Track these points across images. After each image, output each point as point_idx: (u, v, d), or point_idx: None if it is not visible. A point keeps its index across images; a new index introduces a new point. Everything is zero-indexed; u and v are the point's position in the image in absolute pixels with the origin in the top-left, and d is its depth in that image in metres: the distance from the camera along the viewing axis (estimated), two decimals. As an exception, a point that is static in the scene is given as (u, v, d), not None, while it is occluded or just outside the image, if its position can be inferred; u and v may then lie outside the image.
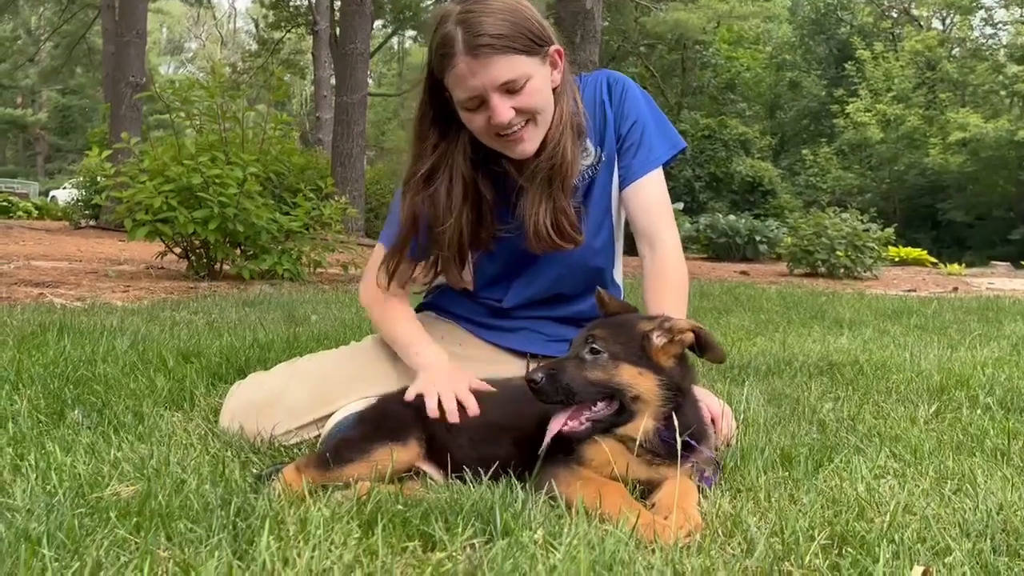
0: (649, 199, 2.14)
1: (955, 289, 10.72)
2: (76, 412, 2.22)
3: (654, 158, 2.14)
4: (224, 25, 64.99)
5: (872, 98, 33.56)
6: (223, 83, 7.90)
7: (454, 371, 1.95)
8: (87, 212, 17.45)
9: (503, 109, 1.88)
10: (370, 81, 27.38)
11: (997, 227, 31.89)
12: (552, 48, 1.95)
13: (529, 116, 1.93)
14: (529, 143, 1.97)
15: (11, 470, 1.69)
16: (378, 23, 33.54)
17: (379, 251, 2.24)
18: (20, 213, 22.31)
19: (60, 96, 49.63)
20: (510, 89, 1.88)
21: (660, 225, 2.13)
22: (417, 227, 2.07)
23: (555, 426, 1.62)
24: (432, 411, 1.80)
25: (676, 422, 1.61)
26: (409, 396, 1.87)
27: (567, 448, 1.63)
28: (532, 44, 1.89)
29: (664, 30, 30.68)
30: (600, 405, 1.63)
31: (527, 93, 1.90)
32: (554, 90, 1.99)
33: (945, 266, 16.98)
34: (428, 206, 2.04)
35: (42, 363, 2.86)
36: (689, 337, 1.67)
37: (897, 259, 17.78)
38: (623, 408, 1.63)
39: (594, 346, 1.65)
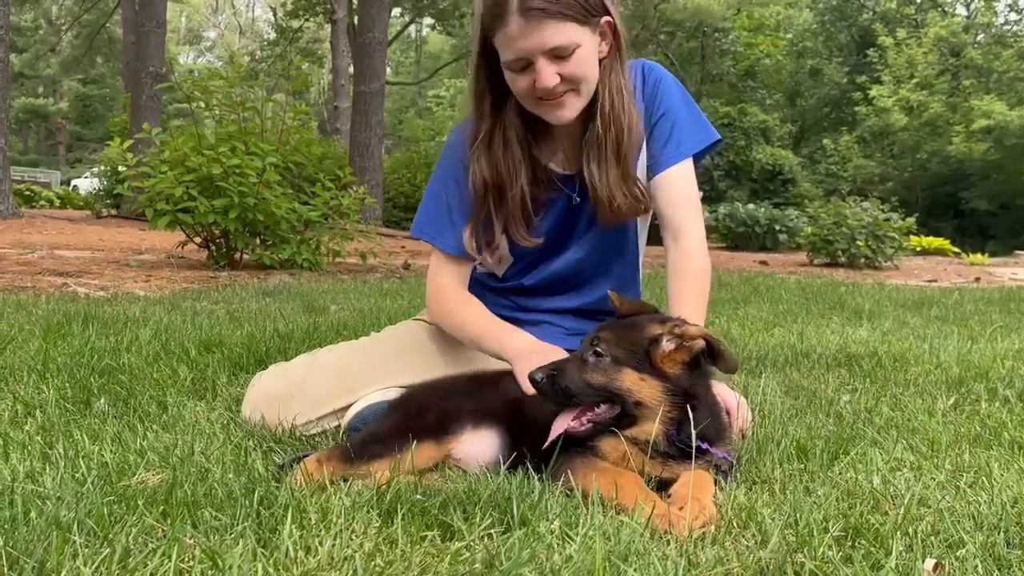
0: (676, 190, 2.14)
1: (977, 279, 10.62)
2: (102, 401, 2.27)
3: (683, 150, 2.15)
4: (243, 14, 65.18)
5: (895, 85, 33.15)
6: (242, 73, 7.94)
7: (545, 348, 1.92)
8: (108, 201, 17.61)
9: (548, 74, 1.90)
10: (388, 70, 27.38)
11: (1021, 216, 31.43)
12: (604, 19, 1.97)
13: (573, 84, 1.96)
14: (568, 110, 2.00)
15: (40, 458, 1.73)
16: (396, 11, 33.52)
17: (437, 259, 2.25)
18: (42, 202, 22.54)
19: (81, 86, 50.00)
20: (558, 55, 1.90)
21: (685, 216, 2.14)
22: (487, 193, 2.10)
23: (559, 425, 1.64)
24: (528, 390, 1.74)
25: (689, 426, 1.61)
26: (526, 388, 1.75)
27: (581, 440, 1.65)
28: (585, 12, 1.91)
29: (684, 17, 30.51)
30: (603, 407, 1.65)
31: (574, 61, 1.92)
32: (602, 60, 2.02)
33: (968, 256, 16.79)
34: (492, 168, 2.08)
35: (68, 353, 2.91)
36: (699, 344, 1.66)
37: (919, 248, 17.60)
38: (625, 412, 1.64)
39: (597, 349, 1.66)
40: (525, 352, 1.90)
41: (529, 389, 1.73)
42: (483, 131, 2.09)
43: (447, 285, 2.22)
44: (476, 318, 2.13)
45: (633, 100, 2.08)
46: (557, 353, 1.86)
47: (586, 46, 1.94)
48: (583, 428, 1.64)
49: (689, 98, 2.22)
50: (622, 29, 2.02)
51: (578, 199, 2.17)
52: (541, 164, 2.14)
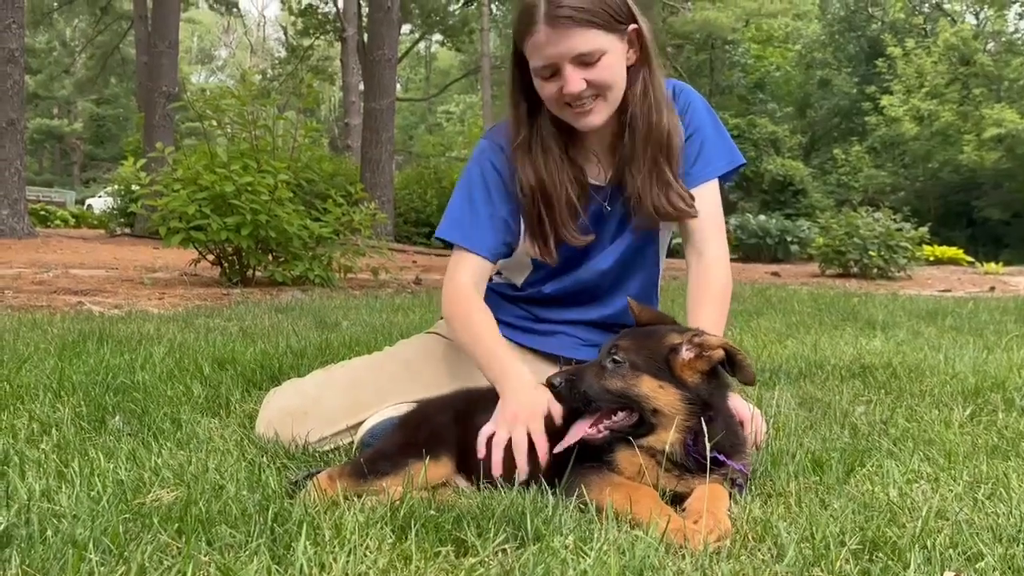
0: (702, 209, 2.16)
1: (992, 289, 10.55)
2: (117, 419, 2.28)
3: (711, 170, 2.18)
4: (254, 33, 65.76)
5: (905, 94, 33.09)
6: (253, 91, 8.00)
7: (535, 400, 1.79)
8: (122, 220, 17.74)
9: (575, 80, 1.94)
10: (398, 86, 27.58)
11: (1035, 224, 31.26)
12: (631, 27, 1.99)
13: (599, 91, 1.98)
14: (595, 116, 2.02)
15: (56, 477, 1.74)
16: (405, 28, 33.74)
17: (462, 258, 2.17)
18: (57, 222, 22.73)
19: (95, 106, 50.49)
20: (584, 61, 1.93)
21: (709, 236, 2.16)
22: (536, 197, 2.10)
23: (576, 432, 1.64)
24: (496, 465, 1.70)
25: (706, 436, 1.60)
26: (483, 435, 1.75)
27: (596, 454, 1.64)
28: (611, 20, 1.94)
29: (692, 29, 30.56)
30: (620, 415, 1.64)
31: (600, 67, 1.95)
32: (630, 67, 2.03)
33: (982, 265, 16.68)
34: (534, 172, 2.10)
35: (83, 371, 2.92)
36: (719, 354, 1.66)
37: (932, 258, 17.50)
38: (643, 420, 1.63)
39: (616, 356, 1.66)
40: (513, 399, 1.81)
41: (482, 450, 1.72)
42: (521, 137, 2.12)
43: (467, 286, 2.14)
44: (486, 338, 2.04)
45: (671, 108, 2.09)
46: (538, 416, 1.75)
47: (612, 53, 1.96)
48: (600, 435, 1.64)
49: (717, 119, 2.24)
50: (650, 37, 2.03)
51: (609, 208, 2.18)
52: (578, 166, 2.15)
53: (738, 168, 2.24)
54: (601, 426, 1.64)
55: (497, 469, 1.71)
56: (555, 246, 2.15)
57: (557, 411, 1.76)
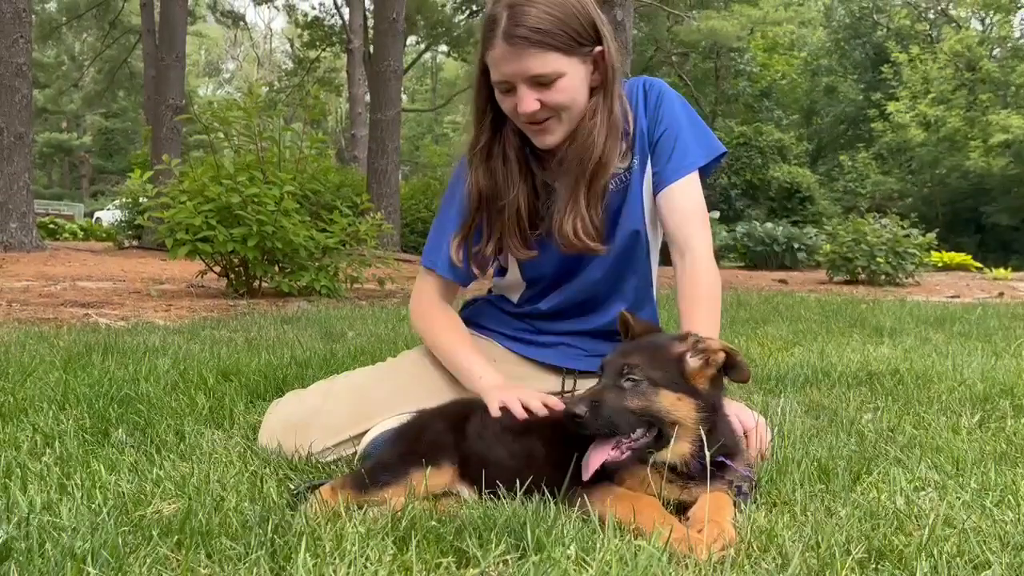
0: (680, 205, 2.11)
1: (1001, 294, 10.49)
2: (120, 431, 2.27)
3: (688, 164, 2.12)
4: (260, 46, 66.13)
5: (911, 101, 33.07)
6: (260, 103, 8.03)
7: (519, 386, 2.00)
8: (130, 233, 17.83)
9: (528, 100, 1.93)
10: (404, 97, 27.69)
11: (1044, 230, 31.14)
12: (596, 49, 1.97)
13: (554, 112, 1.97)
14: (551, 136, 2.02)
15: (58, 489, 1.74)
16: (411, 39, 33.91)
17: (423, 277, 2.30)
18: (66, 235, 22.85)
19: (103, 120, 50.87)
20: (539, 83, 1.92)
21: (691, 232, 2.10)
22: (481, 204, 2.11)
23: (598, 456, 1.59)
24: (520, 414, 1.84)
25: (707, 442, 1.58)
26: (495, 411, 1.87)
27: (601, 471, 1.62)
28: (573, 43, 1.91)
29: (697, 38, 30.60)
30: (639, 432, 1.61)
31: (556, 90, 1.93)
32: (594, 88, 2.01)
33: (990, 271, 16.58)
34: (489, 179, 2.10)
35: (87, 383, 2.92)
36: (721, 357, 1.65)
37: (940, 264, 17.42)
38: (661, 434, 1.61)
39: (632, 375, 1.62)
40: (495, 388, 1.97)
41: (496, 411, 1.86)
42: (482, 142, 2.10)
43: (426, 306, 2.27)
44: (451, 351, 2.17)
45: (617, 136, 2.05)
46: (530, 391, 1.93)
47: (571, 75, 1.94)
48: (624, 456, 1.60)
49: (692, 112, 2.19)
50: (612, 59, 1.99)
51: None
52: (540, 180, 2.14)
53: (719, 159, 2.18)
54: (623, 447, 1.60)
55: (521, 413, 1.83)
56: (495, 255, 2.19)
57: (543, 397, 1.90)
